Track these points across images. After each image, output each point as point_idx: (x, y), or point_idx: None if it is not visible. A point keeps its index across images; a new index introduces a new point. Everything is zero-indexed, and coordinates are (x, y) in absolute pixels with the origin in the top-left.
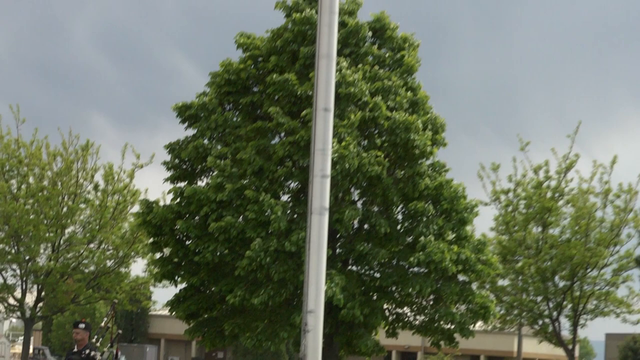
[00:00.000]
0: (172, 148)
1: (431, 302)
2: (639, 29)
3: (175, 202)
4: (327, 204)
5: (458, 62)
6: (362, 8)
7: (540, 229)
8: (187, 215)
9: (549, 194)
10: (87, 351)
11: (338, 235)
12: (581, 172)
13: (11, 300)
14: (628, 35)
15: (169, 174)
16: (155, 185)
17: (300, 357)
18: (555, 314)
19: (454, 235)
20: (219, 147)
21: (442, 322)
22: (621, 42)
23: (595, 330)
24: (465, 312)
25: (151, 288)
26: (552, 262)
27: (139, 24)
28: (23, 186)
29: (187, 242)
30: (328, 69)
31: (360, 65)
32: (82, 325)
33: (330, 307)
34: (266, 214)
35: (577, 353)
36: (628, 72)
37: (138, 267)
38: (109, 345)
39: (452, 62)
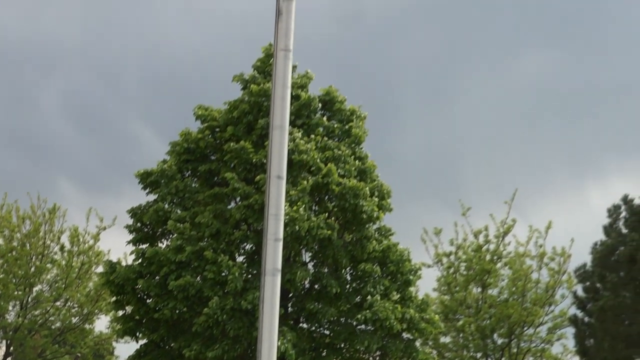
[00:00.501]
0: (134, 212)
1: (377, 358)
2: (573, 98)
3: (137, 263)
4: (279, 265)
5: (403, 133)
6: (313, 82)
7: (479, 289)
8: (148, 275)
9: (488, 257)
10: None
11: (290, 295)
12: (518, 236)
13: None
14: (562, 105)
15: (131, 236)
16: (118, 247)
17: None
18: None
19: (399, 296)
20: (178, 211)
21: None
22: (556, 111)
23: None
24: None
25: (114, 343)
26: (491, 320)
27: (103, 95)
28: None
29: (148, 301)
30: (281, 139)
31: (312, 136)
32: None
33: None
34: (223, 274)
35: None
36: (562, 141)
37: (102, 324)
38: None
39: (398, 133)
